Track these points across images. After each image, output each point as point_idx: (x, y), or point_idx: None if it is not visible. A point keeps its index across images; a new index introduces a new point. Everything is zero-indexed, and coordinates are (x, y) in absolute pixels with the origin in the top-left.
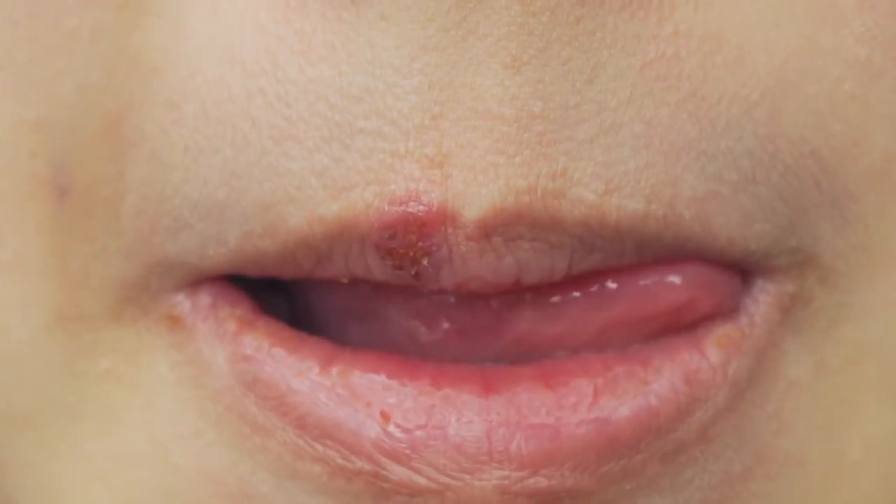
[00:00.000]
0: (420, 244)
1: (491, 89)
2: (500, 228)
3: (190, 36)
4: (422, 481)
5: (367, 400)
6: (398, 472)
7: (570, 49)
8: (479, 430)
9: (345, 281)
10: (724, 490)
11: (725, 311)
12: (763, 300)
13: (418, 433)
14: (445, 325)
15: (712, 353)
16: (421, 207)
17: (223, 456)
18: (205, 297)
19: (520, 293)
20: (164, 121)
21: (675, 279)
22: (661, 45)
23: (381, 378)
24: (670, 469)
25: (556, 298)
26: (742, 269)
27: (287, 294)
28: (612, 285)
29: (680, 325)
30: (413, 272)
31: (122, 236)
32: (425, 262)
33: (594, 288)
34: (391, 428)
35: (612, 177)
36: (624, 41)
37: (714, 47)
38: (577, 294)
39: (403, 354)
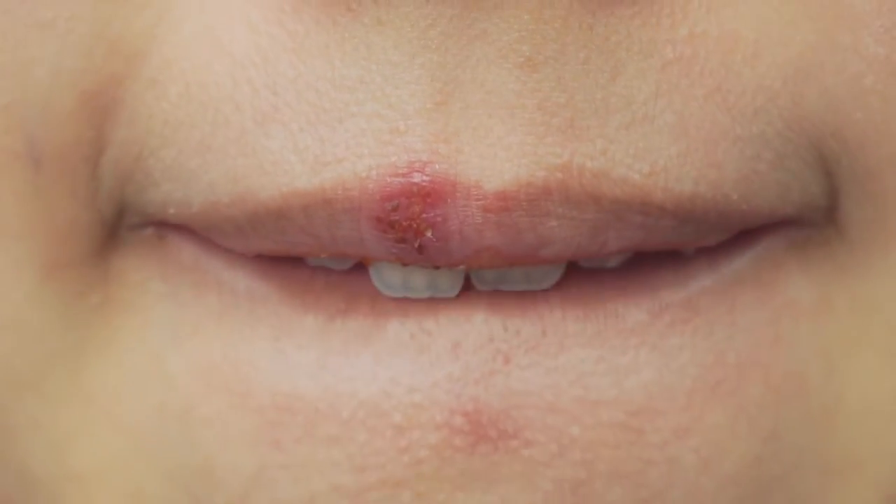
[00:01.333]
0: (424, 215)
1: (506, 84)
2: (525, 203)
3: (177, 26)
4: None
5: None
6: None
7: (587, 51)
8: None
9: (323, 256)
10: (717, 373)
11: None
12: (772, 231)
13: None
14: None
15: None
16: (425, 178)
17: (219, 345)
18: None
19: None
20: (145, 96)
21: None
22: (678, 48)
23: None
24: (658, 324)
25: None
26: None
27: None
28: None
29: None
30: (416, 245)
31: (104, 184)
32: (430, 234)
33: None
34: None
35: (656, 160)
36: (640, 45)
37: (731, 45)
38: None
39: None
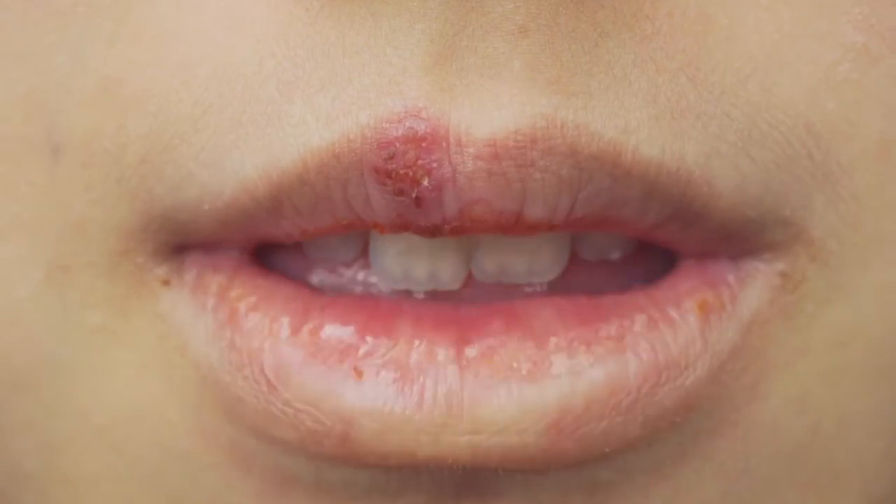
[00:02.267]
0: (420, 161)
1: (498, 48)
2: (513, 151)
3: (198, 11)
4: (392, 445)
5: (338, 359)
6: (369, 433)
7: (576, 21)
8: (453, 385)
9: (344, 223)
10: (692, 446)
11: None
12: (752, 279)
13: (390, 393)
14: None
15: (691, 319)
16: (421, 123)
17: (212, 417)
18: (190, 272)
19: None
20: (172, 82)
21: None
22: (656, 23)
23: (352, 330)
24: (650, 432)
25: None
26: (734, 252)
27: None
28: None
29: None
30: (414, 195)
31: (125, 183)
32: (426, 182)
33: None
34: (364, 388)
35: (630, 119)
36: (624, 18)
37: (706, 27)
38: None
39: (376, 300)
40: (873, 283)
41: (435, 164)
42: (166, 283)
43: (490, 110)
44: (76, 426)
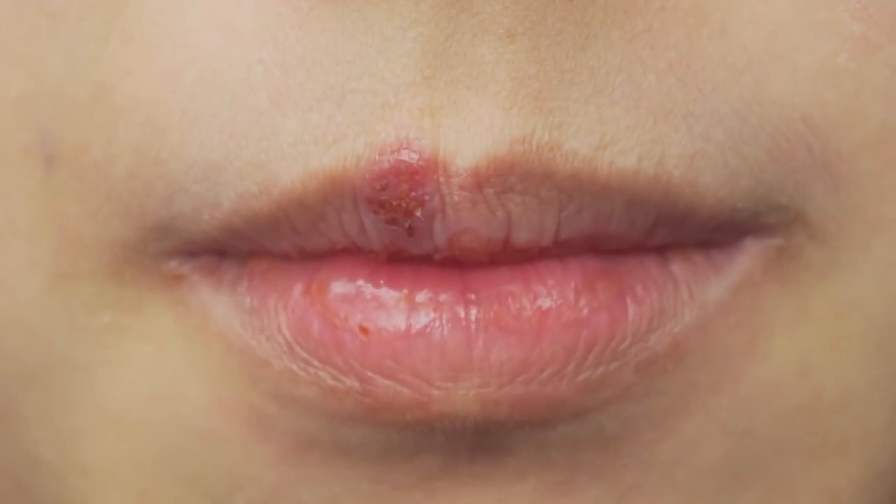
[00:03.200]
0: (412, 194)
1: (485, 56)
2: (493, 178)
3: (185, 12)
4: (406, 392)
5: (345, 315)
6: (384, 385)
7: (564, 22)
8: (460, 336)
9: (339, 248)
10: (690, 398)
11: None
12: (746, 245)
13: (398, 343)
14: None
15: (679, 272)
16: (413, 155)
17: (232, 388)
18: (203, 259)
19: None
20: (160, 89)
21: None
22: (648, 19)
23: (360, 284)
24: (644, 378)
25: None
26: (729, 232)
27: None
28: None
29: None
30: (406, 226)
31: (116, 198)
32: (418, 213)
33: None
34: (372, 341)
35: (605, 132)
36: (614, 16)
37: (699, 20)
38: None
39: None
40: (874, 263)
41: (427, 197)
42: (179, 277)
43: (473, 135)
44: (91, 417)
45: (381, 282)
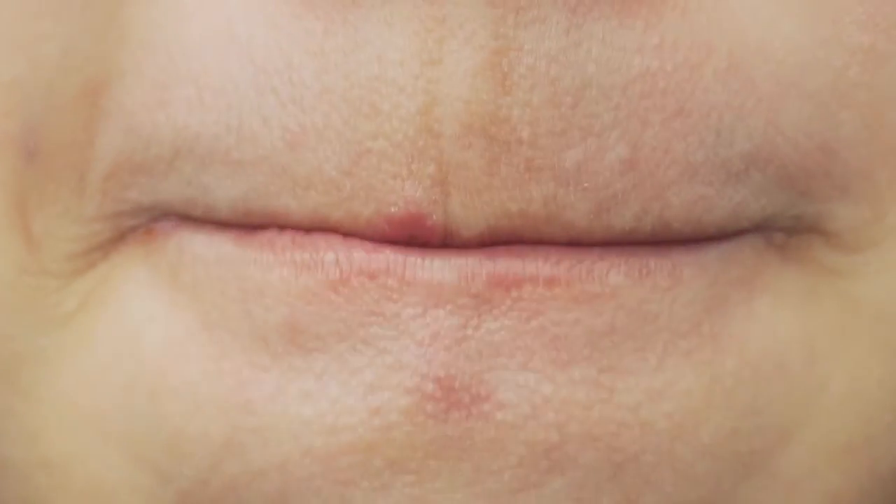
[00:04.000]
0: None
1: (484, 105)
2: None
3: (188, 17)
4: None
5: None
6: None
7: (558, 66)
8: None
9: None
10: (691, 341)
11: None
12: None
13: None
14: None
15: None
16: (424, 231)
17: (195, 333)
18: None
19: None
20: (148, 100)
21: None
22: (645, 59)
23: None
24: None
25: None
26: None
27: None
28: None
29: None
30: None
31: (88, 200)
32: None
33: None
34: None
35: (601, 200)
36: (610, 53)
37: (702, 58)
38: None
39: None
40: (887, 265)
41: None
42: (149, 231)
43: (476, 207)
44: (54, 407)
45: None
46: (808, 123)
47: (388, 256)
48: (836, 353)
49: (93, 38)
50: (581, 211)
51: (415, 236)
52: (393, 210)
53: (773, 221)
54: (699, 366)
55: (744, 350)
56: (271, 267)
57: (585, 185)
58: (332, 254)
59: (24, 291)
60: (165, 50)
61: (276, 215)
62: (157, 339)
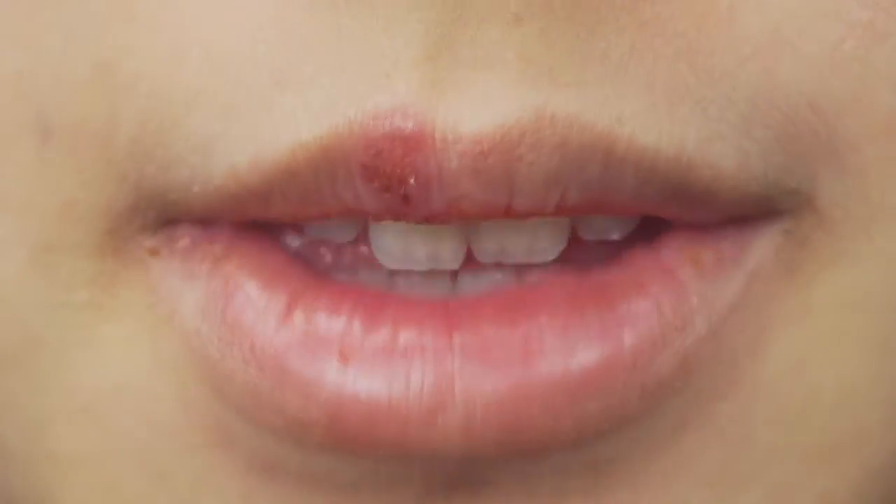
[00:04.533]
0: (407, 159)
1: (492, 38)
2: (499, 147)
3: None
4: (380, 433)
5: (326, 348)
6: (356, 421)
7: (572, 7)
8: (445, 375)
9: (333, 216)
10: (691, 411)
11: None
12: (754, 235)
13: (376, 381)
14: None
15: (687, 277)
16: (408, 121)
17: (198, 393)
18: (183, 240)
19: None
20: (164, 66)
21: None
22: (656, 8)
23: (341, 320)
24: (650, 403)
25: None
26: (738, 221)
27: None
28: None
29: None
30: (401, 193)
31: (115, 165)
32: (412, 180)
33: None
34: (350, 376)
35: (623, 109)
36: (622, 2)
37: (706, 9)
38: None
39: (365, 288)
40: (878, 253)
41: (421, 163)
42: (155, 252)
43: (478, 105)
44: (61, 403)
45: (366, 317)
46: (800, 82)
47: None
48: (828, 359)
49: (97, 23)
50: (603, 116)
51: (400, 138)
52: (379, 103)
53: (775, 201)
54: (695, 418)
55: (739, 391)
56: None
57: (609, 94)
58: None
59: (40, 271)
60: (177, 22)
61: (260, 160)
62: (169, 390)
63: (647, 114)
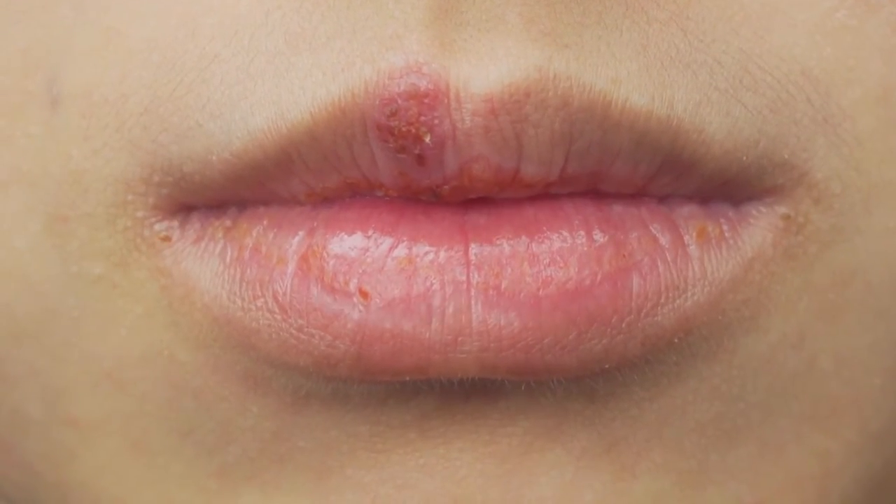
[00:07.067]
0: (422, 118)
1: (496, 1)
2: (508, 105)
3: None
4: (403, 364)
5: (345, 278)
6: (380, 354)
7: None
8: (463, 305)
9: (350, 182)
10: (685, 366)
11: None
12: (755, 218)
13: (397, 313)
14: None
15: (691, 245)
16: (422, 80)
17: (223, 354)
18: (193, 225)
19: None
20: (178, 33)
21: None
22: None
23: (358, 241)
24: (649, 350)
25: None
26: (735, 198)
27: None
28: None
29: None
30: (416, 153)
31: (125, 132)
32: (428, 139)
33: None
34: (371, 310)
35: (619, 70)
36: None
37: None
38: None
39: (380, 202)
40: (875, 228)
41: (436, 121)
42: (167, 238)
43: (486, 65)
44: (82, 370)
45: (380, 233)
46: (792, 49)
47: None
48: (825, 333)
49: None
50: (601, 75)
51: (416, 96)
52: (392, 61)
53: (767, 174)
54: (687, 379)
55: (734, 357)
56: None
57: (605, 54)
58: None
59: (54, 241)
60: None
61: (278, 119)
62: (193, 357)
63: (640, 76)
